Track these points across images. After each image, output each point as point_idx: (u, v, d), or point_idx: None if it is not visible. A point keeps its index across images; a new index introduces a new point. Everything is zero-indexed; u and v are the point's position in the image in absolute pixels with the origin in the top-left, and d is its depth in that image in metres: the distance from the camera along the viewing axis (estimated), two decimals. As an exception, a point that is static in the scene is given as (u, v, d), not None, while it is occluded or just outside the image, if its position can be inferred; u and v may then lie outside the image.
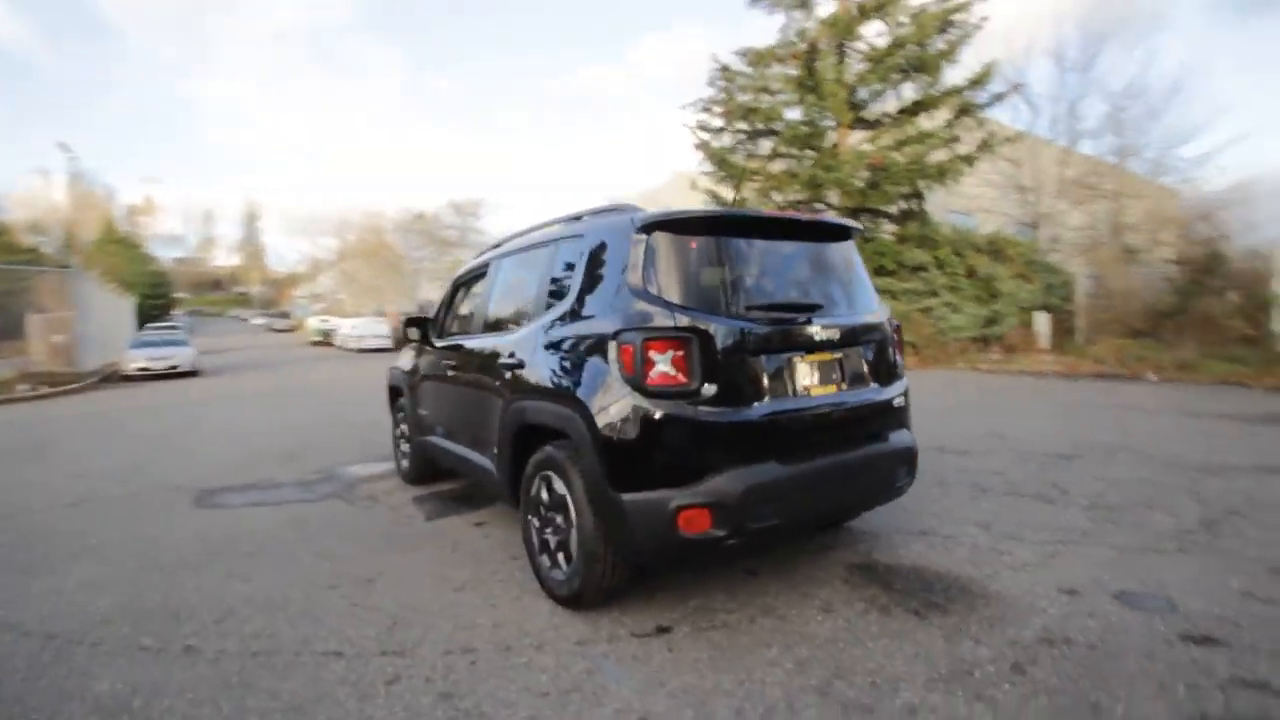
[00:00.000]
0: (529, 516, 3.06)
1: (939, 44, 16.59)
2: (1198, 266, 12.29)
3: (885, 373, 3.03)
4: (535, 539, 3.01)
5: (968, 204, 20.57)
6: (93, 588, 3.23)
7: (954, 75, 16.96)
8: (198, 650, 2.58)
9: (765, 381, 2.58)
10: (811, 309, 2.80)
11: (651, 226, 2.63)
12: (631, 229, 2.66)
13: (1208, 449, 5.38)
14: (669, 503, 2.38)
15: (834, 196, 18.33)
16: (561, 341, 2.83)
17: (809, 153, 17.81)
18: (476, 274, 4.26)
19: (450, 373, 4.02)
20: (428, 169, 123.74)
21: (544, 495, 2.93)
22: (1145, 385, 9.75)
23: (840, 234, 3.06)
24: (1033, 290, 16.16)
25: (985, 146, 16.33)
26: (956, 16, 16.32)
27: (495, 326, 3.65)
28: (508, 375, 3.20)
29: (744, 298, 2.64)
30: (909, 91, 18.55)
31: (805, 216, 2.96)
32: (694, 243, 2.62)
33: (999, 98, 16.13)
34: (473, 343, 3.77)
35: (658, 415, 2.41)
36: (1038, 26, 25.88)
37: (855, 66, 17.89)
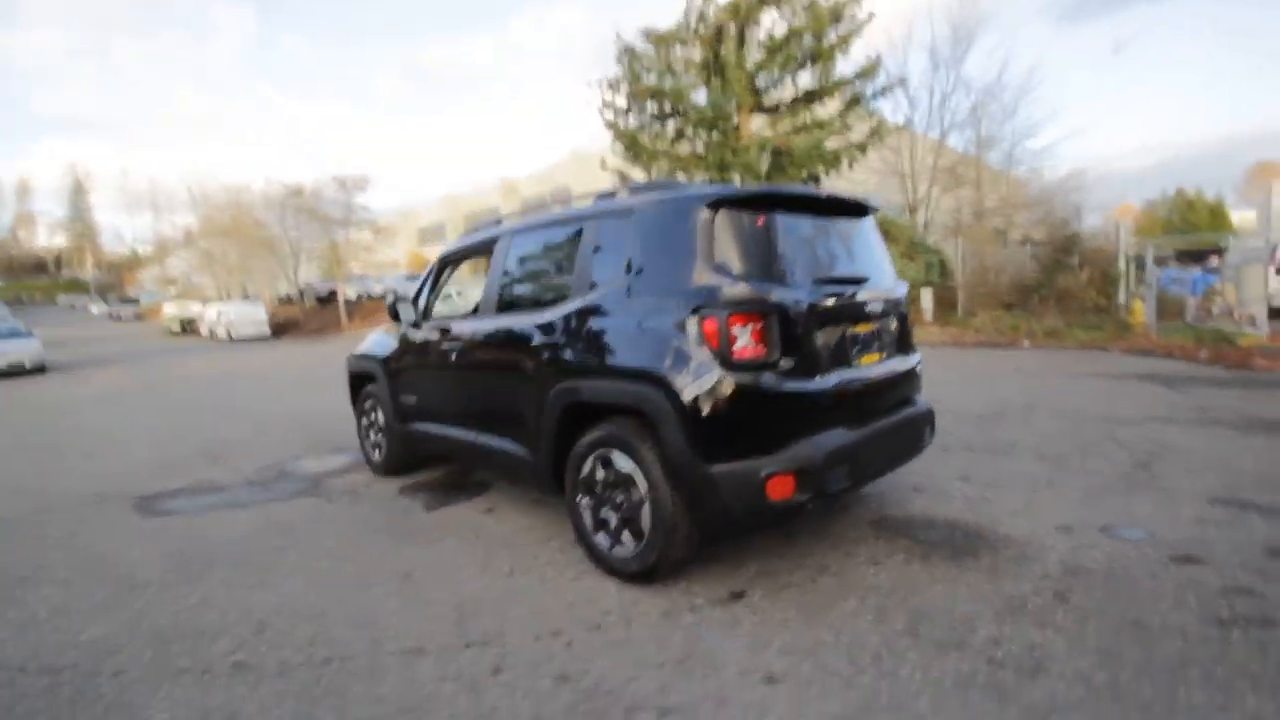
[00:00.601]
0: (579, 497, 3.02)
1: (832, 36, 17.48)
2: (1057, 246, 14.02)
3: (907, 341, 3.27)
4: (589, 519, 2.99)
5: (854, 189, 21.96)
6: (73, 615, 2.81)
7: (845, 67, 17.97)
8: (253, 666, 2.34)
9: (831, 351, 2.72)
10: (859, 281, 2.97)
11: (718, 203, 2.66)
12: (698, 205, 2.67)
13: (1103, 403, 6.25)
14: (759, 471, 2.46)
15: (738, 179, 18.97)
16: (622, 318, 2.80)
17: (715, 135, 18.25)
18: (476, 251, 4.06)
19: (452, 356, 3.82)
20: (298, 141, 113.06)
21: (599, 474, 2.90)
22: (1022, 351, 11.04)
23: (866, 211, 3.23)
24: (916, 269, 17.67)
25: (875, 135, 17.52)
26: (846, 11, 17.24)
27: (514, 305, 3.53)
28: (545, 355, 3.11)
29: (807, 270, 2.75)
30: (804, 80, 19.46)
31: (846, 194, 3.11)
32: (759, 219, 2.68)
33: (886, 90, 17.34)
34: (485, 324, 3.61)
35: (745, 387, 2.48)
36: (917, 24, 27.87)
37: (754, 54, 18.49)
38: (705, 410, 2.48)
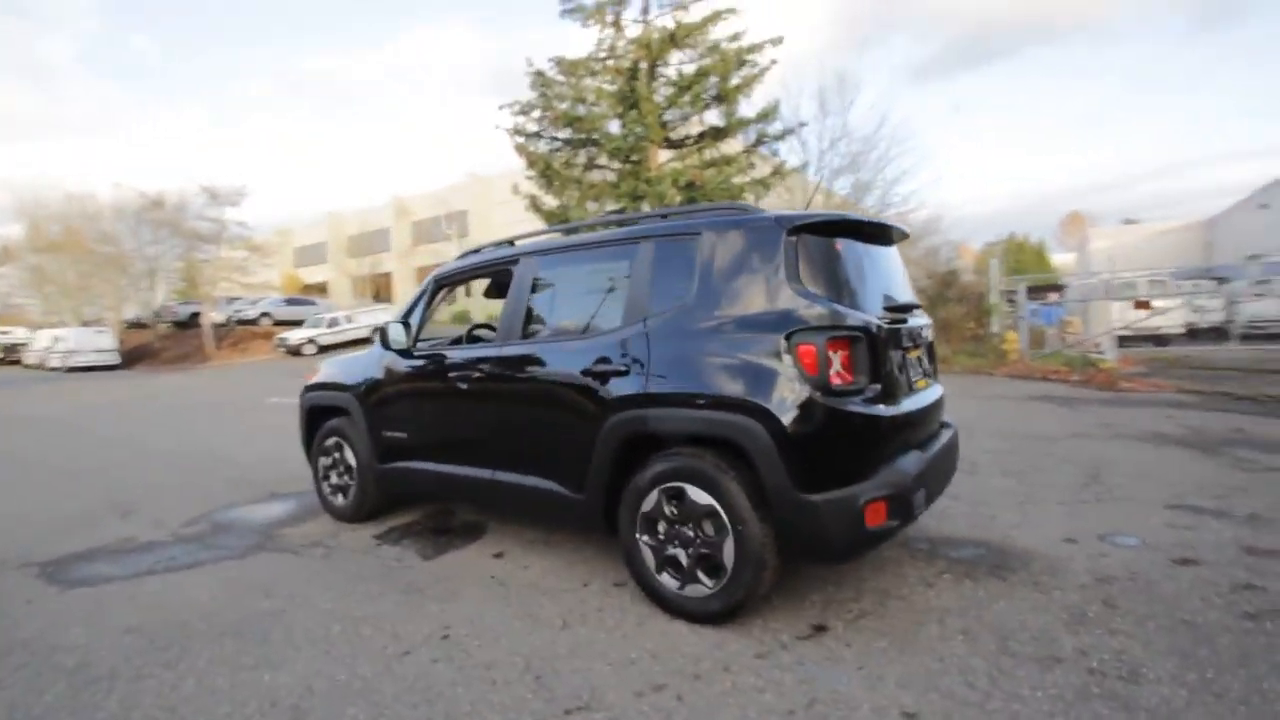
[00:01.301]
0: (639, 536, 2.84)
1: (736, 79, 18.47)
2: (939, 281, 15.51)
3: (936, 367, 3.42)
4: (651, 558, 2.81)
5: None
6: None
7: (748, 109, 19.01)
8: (317, 762, 1.95)
9: (899, 376, 2.77)
10: (910, 308, 3.06)
11: (797, 228, 2.65)
12: (779, 229, 2.65)
13: (1023, 423, 6.90)
14: (859, 498, 2.43)
15: (645, 208, 19.35)
16: (698, 344, 2.69)
17: (627, 166, 18.56)
18: (484, 274, 3.77)
19: (462, 387, 3.50)
20: (156, 149, 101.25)
21: (667, 510, 2.75)
22: (925, 376, 12.01)
23: (894, 238, 3.33)
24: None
25: (776, 174, 18.62)
26: (749, 56, 18.30)
27: (544, 332, 3.30)
28: (597, 385, 2.93)
29: (873, 296, 2.80)
30: (710, 118, 20.36)
31: (894, 221, 3.21)
32: (836, 244, 2.71)
33: (787, 133, 18.53)
34: (510, 352, 3.34)
35: (842, 414, 2.46)
36: (812, 74, 30.41)
37: (664, 90, 19.14)
38: (806, 438, 2.43)
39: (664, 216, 3.13)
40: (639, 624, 2.76)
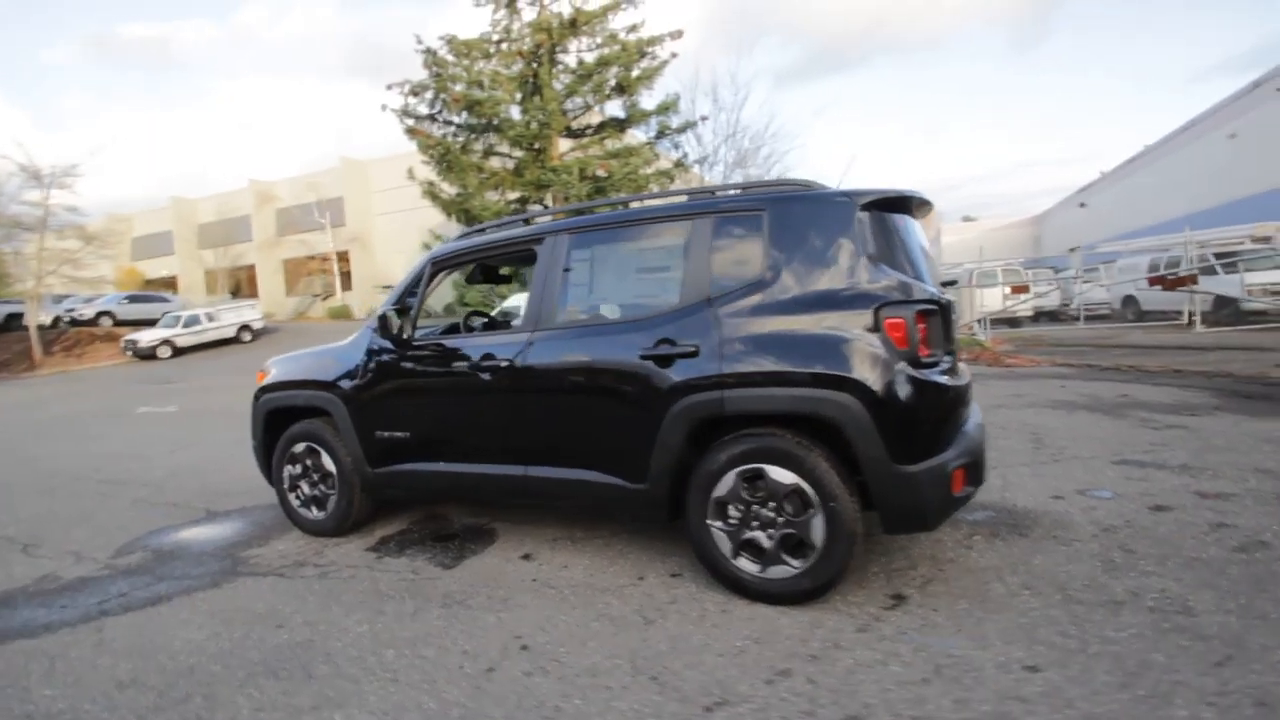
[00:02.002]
0: (711, 522, 2.76)
1: (636, 71, 18.54)
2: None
3: None
4: (727, 544, 2.74)
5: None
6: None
7: (649, 102, 19.16)
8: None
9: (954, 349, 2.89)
10: (951, 283, 3.20)
11: (870, 204, 2.68)
12: (852, 204, 2.66)
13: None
14: (948, 466, 2.51)
15: (549, 199, 19.01)
16: (774, 320, 2.64)
17: (530, 154, 18.08)
18: (498, 254, 3.48)
19: (486, 377, 3.21)
20: None
21: (743, 492, 2.69)
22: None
23: (928, 212, 3.41)
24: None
25: (679, 165, 18.94)
26: (649, 49, 18.43)
27: (583, 315, 3.11)
28: (659, 369, 2.80)
29: (934, 270, 2.88)
30: (611, 109, 20.31)
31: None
32: (898, 218, 2.76)
33: (688, 126, 18.88)
34: (546, 339, 3.10)
35: (930, 385, 2.52)
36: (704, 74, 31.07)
37: (564, 78, 18.82)
38: (901, 411, 2.47)
39: (712, 193, 3.04)
40: (723, 612, 2.68)
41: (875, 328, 2.52)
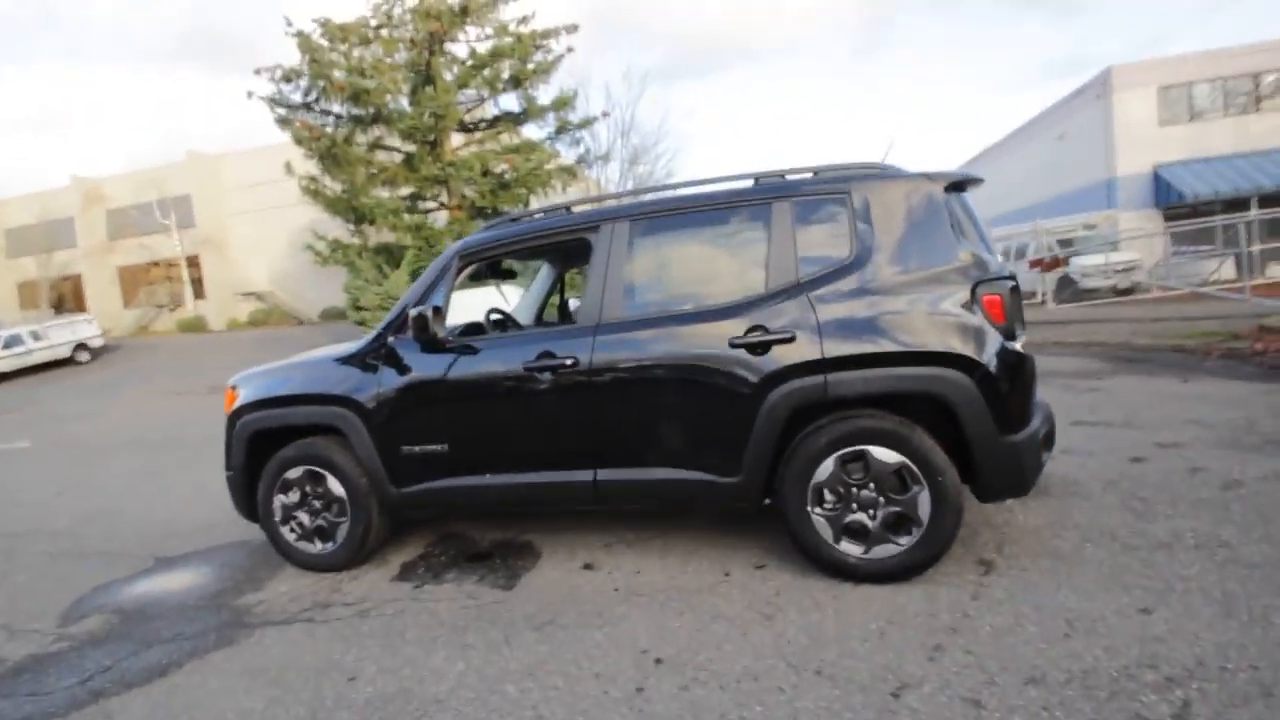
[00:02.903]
0: (809, 508, 2.74)
1: (531, 64, 18.06)
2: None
3: None
4: (828, 529, 2.72)
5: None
6: None
7: (546, 96, 18.72)
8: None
9: None
10: None
11: (951, 186, 2.76)
12: (937, 185, 2.73)
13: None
14: (1039, 434, 2.66)
15: (444, 194, 18.15)
16: (875, 301, 2.65)
17: (424, 148, 17.06)
18: (541, 243, 3.21)
19: (545, 378, 2.95)
20: None
21: (844, 475, 2.69)
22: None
23: None
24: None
25: (582, 161, 18.74)
26: (544, 41, 18.02)
27: (656, 306, 2.95)
28: (756, 356, 2.72)
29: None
30: (506, 103, 19.67)
31: None
32: (970, 199, 2.87)
33: (590, 121, 18.66)
34: (614, 332, 2.90)
35: (1022, 357, 2.64)
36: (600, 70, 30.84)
37: (455, 69, 17.97)
38: (1004, 384, 2.57)
39: (781, 176, 2.99)
40: (834, 598, 2.66)
41: (973, 304, 2.60)
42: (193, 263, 28.63)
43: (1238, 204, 17.51)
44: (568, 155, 19.12)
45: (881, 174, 2.86)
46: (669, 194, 3.11)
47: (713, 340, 2.79)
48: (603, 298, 2.99)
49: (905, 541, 2.67)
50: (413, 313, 3.02)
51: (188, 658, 2.65)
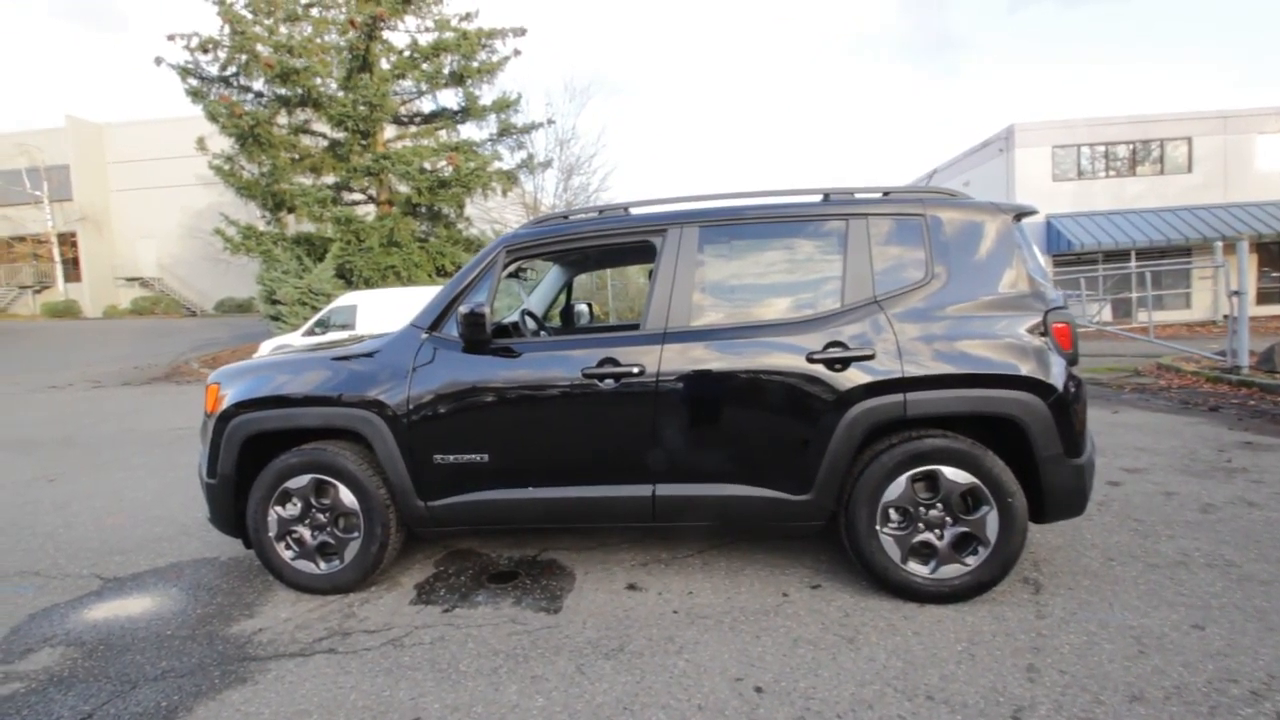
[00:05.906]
0: (877, 526, 2.72)
1: (476, 62, 17.61)
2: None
3: None
4: (896, 549, 2.71)
5: (488, 216, 22.20)
6: None
7: (488, 97, 18.27)
8: None
9: None
10: None
11: (1018, 215, 2.86)
12: (1008, 214, 2.82)
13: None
14: (1093, 456, 2.78)
15: (374, 187, 17.31)
16: (962, 324, 2.68)
17: (355, 136, 16.14)
18: (599, 242, 3.02)
19: (605, 385, 2.78)
20: None
21: (915, 494, 2.70)
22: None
23: None
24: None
25: (525, 165, 18.39)
26: (490, 41, 17.63)
27: (724, 316, 2.85)
28: (834, 372, 2.68)
29: None
30: (445, 100, 19.05)
31: None
32: (1026, 231, 2.98)
33: (534, 126, 18.35)
34: (682, 341, 2.78)
35: (1082, 384, 2.76)
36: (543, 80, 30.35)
37: (393, 57, 17.22)
38: (1071, 408, 2.66)
39: (851, 194, 2.98)
40: (906, 618, 2.64)
41: (1044, 331, 2.69)
42: (67, 241, 25.52)
43: (1117, 255, 19.72)
44: (508, 160, 18.71)
45: (955, 200, 2.92)
46: (739, 202, 3.04)
47: (788, 353, 2.73)
48: (669, 304, 2.86)
49: (972, 561, 2.70)
50: (463, 310, 2.76)
51: (193, 700, 2.24)
